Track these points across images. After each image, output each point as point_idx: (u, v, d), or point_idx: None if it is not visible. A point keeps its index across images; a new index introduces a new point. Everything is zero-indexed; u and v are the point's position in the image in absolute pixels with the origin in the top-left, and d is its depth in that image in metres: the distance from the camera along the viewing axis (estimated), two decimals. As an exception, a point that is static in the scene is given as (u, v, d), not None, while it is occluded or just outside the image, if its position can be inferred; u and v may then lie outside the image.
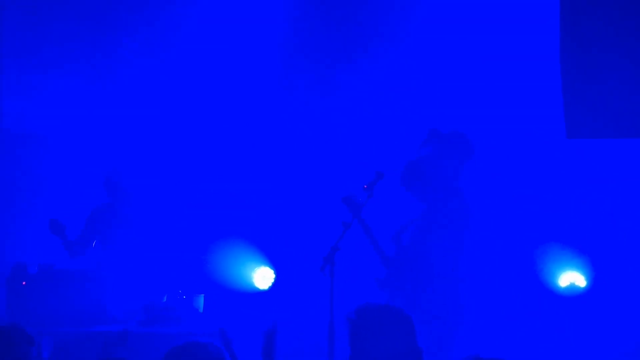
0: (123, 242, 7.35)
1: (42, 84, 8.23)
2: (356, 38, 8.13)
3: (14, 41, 8.26)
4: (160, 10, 8.23)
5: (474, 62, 7.83)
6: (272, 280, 8.01)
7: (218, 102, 8.25)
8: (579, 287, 7.63)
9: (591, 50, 5.61)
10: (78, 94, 8.24)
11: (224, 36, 8.18)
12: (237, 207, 8.17)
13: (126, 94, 8.25)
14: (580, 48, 5.64)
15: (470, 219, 6.56)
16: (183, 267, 7.99)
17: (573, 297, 7.62)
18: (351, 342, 3.61)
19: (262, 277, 8.05)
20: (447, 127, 6.79)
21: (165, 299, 6.95)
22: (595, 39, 5.59)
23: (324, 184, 7.90)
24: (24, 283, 6.60)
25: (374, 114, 8.04)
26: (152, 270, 7.42)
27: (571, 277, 7.66)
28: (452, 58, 7.88)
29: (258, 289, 8.04)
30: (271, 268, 8.04)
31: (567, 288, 7.64)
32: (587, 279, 7.63)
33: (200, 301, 7.01)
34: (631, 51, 5.55)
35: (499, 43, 7.77)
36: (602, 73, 5.57)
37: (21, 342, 3.95)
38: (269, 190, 8.17)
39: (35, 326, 6.09)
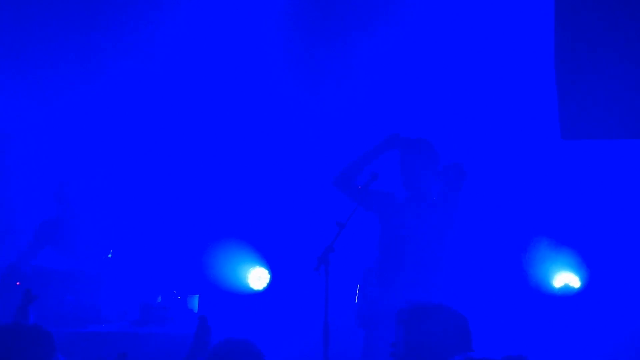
0: (119, 242, 7.36)
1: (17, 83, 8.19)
2: (352, 31, 8.13)
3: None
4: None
5: (470, 62, 7.84)
6: (267, 281, 8.01)
7: (212, 101, 8.23)
8: (573, 288, 7.64)
9: (586, 50, 5.61)
10: (61, 93, 8.20)
11: (215, 31, 8.17)
12: (232, 208, 8.17)
13: (122, 93, 8.23)
14: (575, 48, 5.64)
15: (443, 219, 6.49)
16: (178, 268, 7.99)
17: (567, 297, 7.63)
18: (404, 339, 3.60)
19: (257, 277, 8.05)
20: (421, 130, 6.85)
21: (159, 299, 6.95)
22: (589, 40, 5.59)
23: (318, 185, 7.89)
24: (18, 283, 6.59)
25: (369, 115, 8.03)
26: (146, 271, 7.41)
27: (565, 278, 7.67)
28: (447, 58, 7.88)
29: (253, 289, 8.03)
30: (266, 268, 8.04)
31: (561, 289, 7.65)
32: (581, 280, 7.64)
33: (195, 301, 7.01)
34: (626, 52, 5.55)
35: (494, 44, 7.78)
36: (597, 74, 5.58)
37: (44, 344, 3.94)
38: (263, 190, 8.17)
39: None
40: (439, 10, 7.88)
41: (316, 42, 8.15)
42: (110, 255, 7.18)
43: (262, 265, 8.04)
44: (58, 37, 8.15)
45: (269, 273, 8.02)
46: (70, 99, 8.18)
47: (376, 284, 6.53)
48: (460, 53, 7.84)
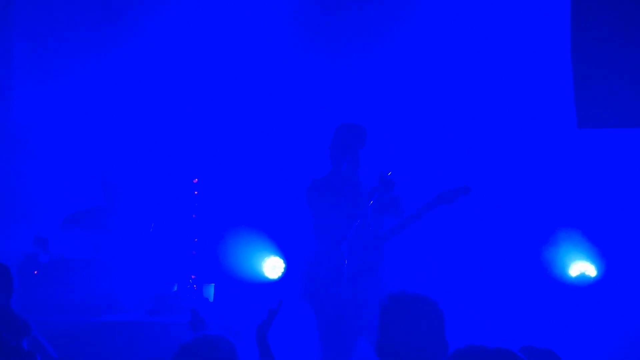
0: (135, 232, 7.38)
1: (51, 75, 8.24)
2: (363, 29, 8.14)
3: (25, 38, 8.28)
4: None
5: (487, 53, 7.83)
6: (282, 270, 8.02)
7: (232, 91, 8.26)
8: (589, 277, 7.61)
9: (602, 39, 5.59)
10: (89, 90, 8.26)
11: (227, 23, 8.19)
12: (248, 197, 8.18)
13: (135, 82, 8.26)
14: (591, 37, 5.62)
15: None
16: (193, 257, 8.01)
17: (583, 287, 7.62)
18: (380, 327, 3.61)
19: (272, 267, 8.06)
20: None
21: (175, 288, 6.97)
22: (605, 30, 5.57)
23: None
24: (35, 272, 6.62)
25: (385, 105, 8.03)
26: (162, 260, 7.44)
27: (582, 267, 7.65)
28: (465, 47, 7.87)
29: (268, 278, 8.04)
30: (281, 258, 8.05)
31: (577, 278, 7.63)
32: (597, 269, 7.62)
33: (211, 291, 7.02)
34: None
35: (511, 34, 7.76)
36: (612, 63, 5.56)
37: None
38: (279, 180, 8.17)
39: (45, 315, 6.16)
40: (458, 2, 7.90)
41: (326, 39, 8.18)
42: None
43: (277, 254, 8.05)
44: (92, 23, 8.22)
45: (284, 262, 8.03)
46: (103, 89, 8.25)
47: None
48: (479, 45, 7.82)
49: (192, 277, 6.99)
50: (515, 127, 7.86)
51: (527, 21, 7.75)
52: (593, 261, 7.65)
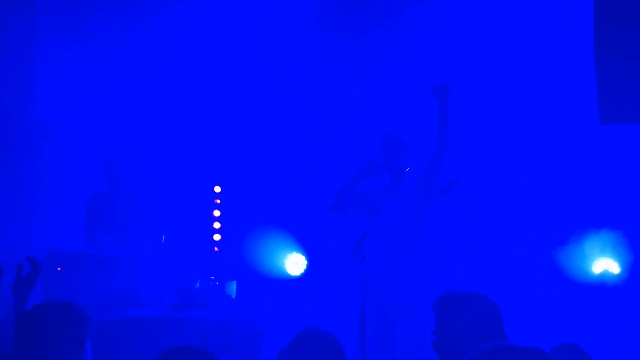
0: (158, 228, 7.40)
1: (72, 72, 8.27)
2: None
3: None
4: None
5: (511, 49, 7.81)
6: (304, 267, 8.03)
7: (253, 91, 8.28)
8: (612, 274, 7.57)
9: (625, 35, 5.57)
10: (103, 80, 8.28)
11: (247, 22, 8.21)
12: (270, 194, 8.20)
13: (159, 79, 8.29)
14: (614, 32, 5.60)
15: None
16: (216, 253, 8.04)
17: (607, 284, 7.57)
18: (438, 328, 3.62)
19: (294, 263, 8.07)
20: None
21: (198, 284, 6.99)
22: (629, 23, 5.55)
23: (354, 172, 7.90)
24: (58, 269, 6.65)
25: (401, 105, 8.02)
26: (185, 256, 7.46)
27: (605, 264, 7.61)
28: (488, 43, 7.85)
29: (290, 275, 8.06)
30: (303, 254, 8.06)
31: (600, 275, 7.58)
32: (621, 266, 7.57)
33: (233, 287, 7.04)
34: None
35: (534, 30, 7.74)
36: (636, 58, 5.53)
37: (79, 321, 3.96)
38: (301, 177, 8.19)
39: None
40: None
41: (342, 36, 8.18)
42: (163, 239, 7.21)
43: (299, 251, 8.06)
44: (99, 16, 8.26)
45: (306, 259, 8.04)
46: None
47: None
48: (502, 41, 7.81)
49: (212, 277, 7.00)
50: (538, 124, 7.83)
51: (550, 18, 7.72)
52: (616, 258, 7.60)
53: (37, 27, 8.22)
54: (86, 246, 7.20)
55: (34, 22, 8.22)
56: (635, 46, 5.55)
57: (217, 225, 8.16)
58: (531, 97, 7.81)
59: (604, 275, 7.57)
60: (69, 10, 8.30)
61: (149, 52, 8.25)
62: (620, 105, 5.65)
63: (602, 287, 7.54)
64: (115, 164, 7.33)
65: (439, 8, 7.97)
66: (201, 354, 3.43)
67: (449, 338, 3.61)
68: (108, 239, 7.05)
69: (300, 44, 8.22)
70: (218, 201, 8.17)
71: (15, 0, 8.11)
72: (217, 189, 8.24)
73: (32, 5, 8.19)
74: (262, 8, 8.23)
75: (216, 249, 8.11)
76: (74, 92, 8.25)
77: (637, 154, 7.57)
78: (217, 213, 8.14)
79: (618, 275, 7.54)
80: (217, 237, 8.13)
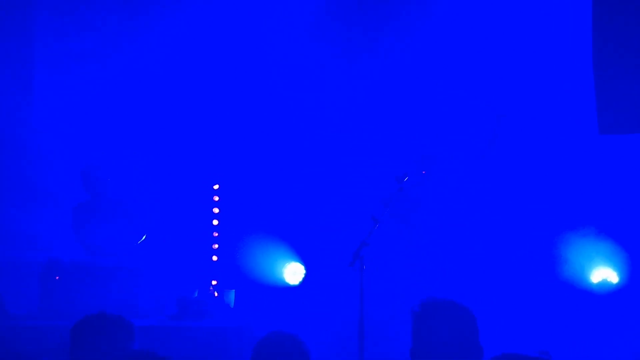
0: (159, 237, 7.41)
1: (70, 78, 8.27)
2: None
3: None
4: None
5: (510, 60, 7.83)
6: (303, 276, 8.03)
7: (248, 96, 8.28)
8: (611, 284, 7.57)
9: (623, 46, 5.59)
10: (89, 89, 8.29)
11: (250, 22, 8.22)
12: (268, 203, 8.19)
13: (149, 82, 8.29)
14: (613, 44, 5.63)
15: None
16: (215, 263, 8.03)
17: (605, 294, 7.57)
18: (414, 334, 3.62)
19: (293, 272, 8.07)
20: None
21: (196, 293, 6.99)
22: (627, 35, 5.57)
23: (354, 180, 7.91)
24: (57, 278, 6.65)
25: (403, 115, 8.03)
26: (184, 266, 7.46)
27: (604, 274, 7.61)
28: (488, 53, 7.87)
29: (288, 284, 8.06)
30: (301, 263, 8.06)
31: (599, 284, 7.58)
32: (619, 276, 7.57)
33: (231, 296, 7.04)
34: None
35: (533, 41, 7.76)
36: (635, 69, 5.55)
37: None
38: (299, 186, 8.19)
39: (67, 320, 6.17)
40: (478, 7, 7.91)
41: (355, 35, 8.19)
42: (143, 239, 7.21)
43: (297, 260, 8.06)
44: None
45: (304, 268, 8.04)
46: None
47: None
48: (502, 53, 7.83)
49: (213, 283, 7.01)
50: (537, 133, 7.84)
51: (549, 29, 7.74)
52: (615, 268, 7.60)
53: (37, 29, 8.23)
54: (83, 250, 7.22)
55: (33, 27, 8.24)
56: (633, 58, 5.57)
57: (215, 234, 8.16)
58: (531, 103, 7.82)
59: (603, 285, 7.57)
60: (68, 15, 8.31)
61: (148, 52, 8.25)
62: (618, 116, 5.67)
63: (601, 296, 7.54)
64: (91, 176, 7.37)
65: (439, 11, 7.97)
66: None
67: (425, 346, 3.60)
68: (99, 242, 7.11)
69: (300, 45, 8.21)
70: (216, 210, 8.17)
71: (13, 7, 8.13)
72: (216, 197, 8.24)
73: (30, 11, 8.21)
74: (262, 8, 8.23)
75: (215, 257, 8.11)
76: (74, 94, 8.25)
77: (635, 162, 7.58)
78: (215, 222, 8.14)
79: (617, 284, 7.55)
80: (215, 246, 8.13)
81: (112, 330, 4.04)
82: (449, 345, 3.54)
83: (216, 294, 7.11)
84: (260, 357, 3.82)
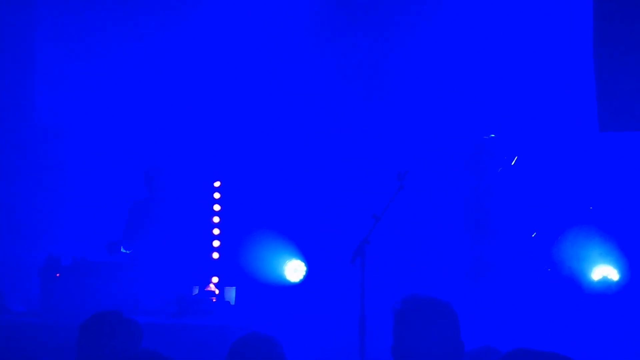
0: (157, 235, 7.40)
1: (71, 78, 8.29)
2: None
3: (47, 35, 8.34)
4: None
5: (511, 58, 7.83)
6: (304, 273, 8.03)
7: (256, 96, 8.29)
8: (611, 281, 7.57)
9: (624, 44, 5.59)
10: (110, 87, 8.31)
11: (257, 22, 8.23)
12: (269, 200, 8.20)
13: (158, 84, 8.30)
14: (613, 42, 5.63)
15: None
16: (215, 260, 8.04)
17: (605, 291, 7.57)
18: (395, 332, 3.61)
19: (294, 270, 8.08)
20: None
21: (196, 291, 6.99)
22: (628, 33, 5.57)
23: (355, 177, 7.91)
24: (57, 275, 6.65)
25: (405, 111, 8.03)
26: (184, 263, 7.46)
27: (604, 271, 7.61)
28: (489, 51, 7.87)
29: (289, 281, 8.06)
30: (302, 261, 8.06)
31: (599, 282, 7.58)
32: (620, 273, 7.57)
33: (232, 294, 7.04)
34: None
35: (534, 38, 7.76)
36: (635, 67, 5.56)
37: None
38: (300, 183, 8.19)
39: (68, 318, 6.19)
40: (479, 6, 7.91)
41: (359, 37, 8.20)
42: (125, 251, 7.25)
43: (298, 257, 8.06)
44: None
45: (305, 265, 8.04)
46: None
47: None
48: (503, 50, 7.83)
49: (214, 280, 7.01)
50: (538, 131, 7.85)
51: (550, 26, 7.74)
52: (616, 265, 7.60)
53: (38, 32, 8.24)
54: (107, 250, 7.24)
55: (34, 29, 8.24)
56: (634, 56, 5.57)
57: (216, 231, 8.17)
58: (534, 104, 7.82)
59: (603, 282, 7.57)
60: (68, 16, 8.32)
61: (148, 52, 8.26)
62: (619, 114, 5.67)
63: (602, 294, 7.54)
64: (155, 174, 7.41)
65: (439, 13, 7.98)
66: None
67: (406, 344, 3.60)
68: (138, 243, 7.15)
69: (300, 46, 8.22)
70: (218, 207, 8.17)
71: (15, 7, 8.13)
72: (217, 194, 8.25)
73: (31, 12, 8.21)
74: (262, 7, 8.24)
75: (215, 255, 8.11)
76: (74, 95, 8.26)
77: (635, 160, 7.58)
78: (216, 219, 8.15)
79: (617, 282, 7.55)
80: (216, 243, 8.13)
81: (123, 329, 4.03)
82: (429, 342, 3.54)
83: (217, 292, 7.10)
84: (234, 357, 3.82)
